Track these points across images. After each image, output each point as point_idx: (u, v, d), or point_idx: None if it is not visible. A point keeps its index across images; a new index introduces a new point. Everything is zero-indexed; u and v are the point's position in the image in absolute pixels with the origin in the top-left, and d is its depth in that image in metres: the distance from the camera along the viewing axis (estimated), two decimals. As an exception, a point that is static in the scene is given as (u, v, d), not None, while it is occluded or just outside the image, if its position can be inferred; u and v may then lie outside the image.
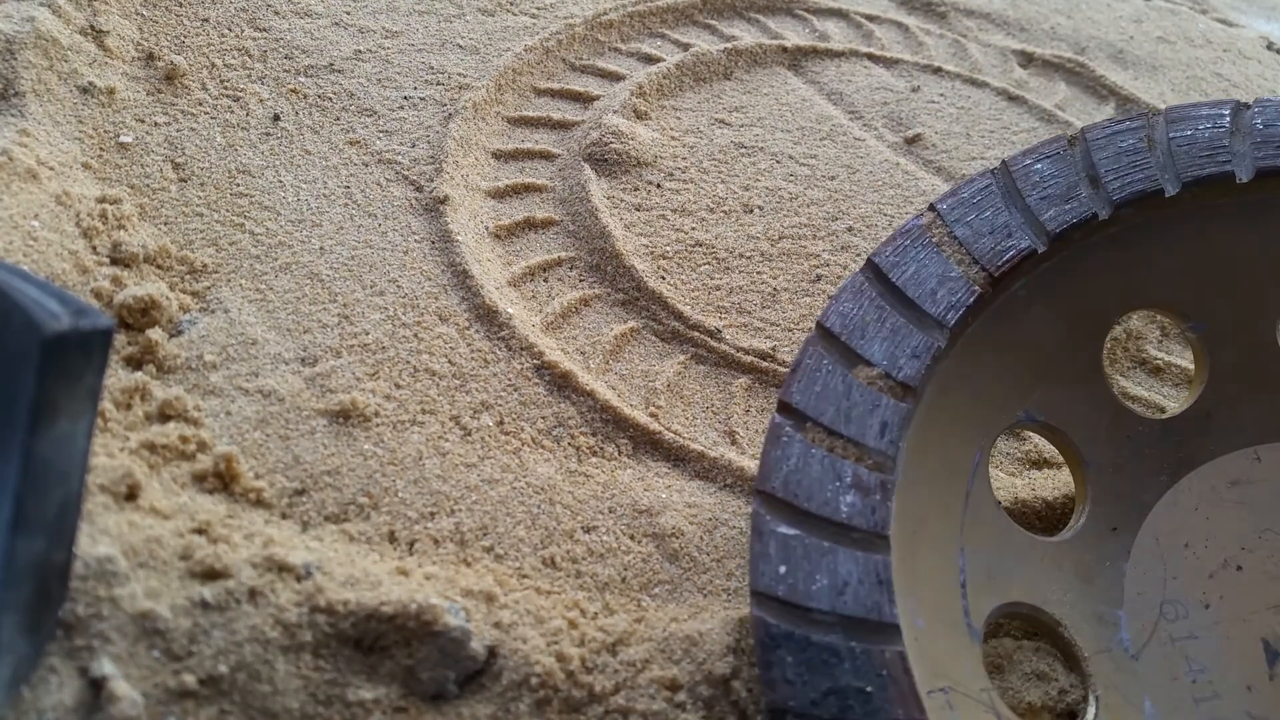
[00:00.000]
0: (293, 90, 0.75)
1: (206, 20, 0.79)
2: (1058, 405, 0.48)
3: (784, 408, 0.41)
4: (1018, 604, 0.43)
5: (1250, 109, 0.50)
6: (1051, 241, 0.46)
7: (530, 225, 0.69)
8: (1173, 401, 0.61)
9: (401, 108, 0.75)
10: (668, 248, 0.68)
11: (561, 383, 0.56)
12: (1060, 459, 0.56)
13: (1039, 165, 0.49)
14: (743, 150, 0.78)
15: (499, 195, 0.71)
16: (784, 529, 0.38)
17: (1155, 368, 0.64)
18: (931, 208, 0.48)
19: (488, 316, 0.59)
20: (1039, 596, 0.43)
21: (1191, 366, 0.56)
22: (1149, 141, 0.49)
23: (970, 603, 0.41)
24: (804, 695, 0.34)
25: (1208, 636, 0.44)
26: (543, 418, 0.54)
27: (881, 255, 0.46)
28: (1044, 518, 0.52)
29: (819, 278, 0.67)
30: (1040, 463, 0.56)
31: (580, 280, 0.65)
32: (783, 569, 0.37)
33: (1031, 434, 0.57)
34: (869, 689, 0.34)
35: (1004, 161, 0.49)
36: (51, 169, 0.60)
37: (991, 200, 0.48)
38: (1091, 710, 0.41)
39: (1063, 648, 0.43)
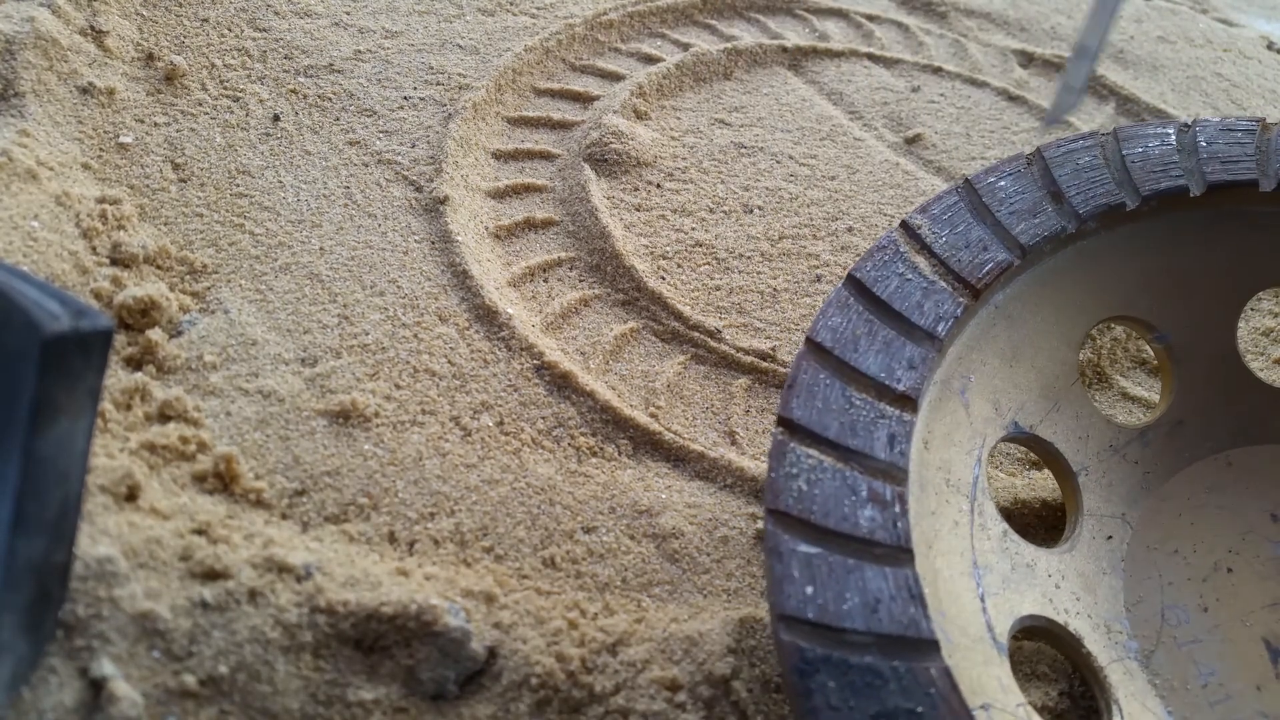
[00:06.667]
0: (293, 90, 0.75)
1: (206, 20, 0.79)
2: (1043, 417, 0.49)
3: (785, 424, 0.40)
4: (1035, 618, 0.42)
5: (1192, 128, 0.52)
6: (1024, 255, 0.47)
7: (530, 225, 0.69)
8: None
9: (401, 108, 0.75)
10: (668, 248, 0.68)
11: (561, 383, 0.56)
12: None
13: (1002, 182, 0.50)
14: (743, 150, 0.78)
15: (499, 195, 0.71)
16: (804, 548, 0.36)
17: (1155, 368, 0.64)
18: (903, 224, 0.49)
19: (488, 317, 0.59)
20: (1051, 609, 0.43)
21: None
22: (1104, 159, 0.51)
23: (992, 617, 0.40)
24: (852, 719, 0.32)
25: (1210, 639, 0.45)
26: (543, 418, 0.54)
27: (862, 270, 0.46)
28: (1043, 518, 0.52)
29: (819, 278, 0.67)
30: (1039, 463, 0.57)
31: (580, 280, 0.65)
32: (809, 589, 0.35)
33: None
34: (919, 709, 0.33)
35: (966, 179, 0.51)
36: (51, 169, 0.60)
37: (962, 216, 0.49)
38: (1117, 718, 0.41)
39: (1079, 660, 0.43)
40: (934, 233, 0.48)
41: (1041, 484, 0.54)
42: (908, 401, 0.41)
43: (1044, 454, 0.49)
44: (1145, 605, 0.46)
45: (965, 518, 0.43)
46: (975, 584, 0.41)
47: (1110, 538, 0.47)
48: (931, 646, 0.34)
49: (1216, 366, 0.51)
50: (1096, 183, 0.50)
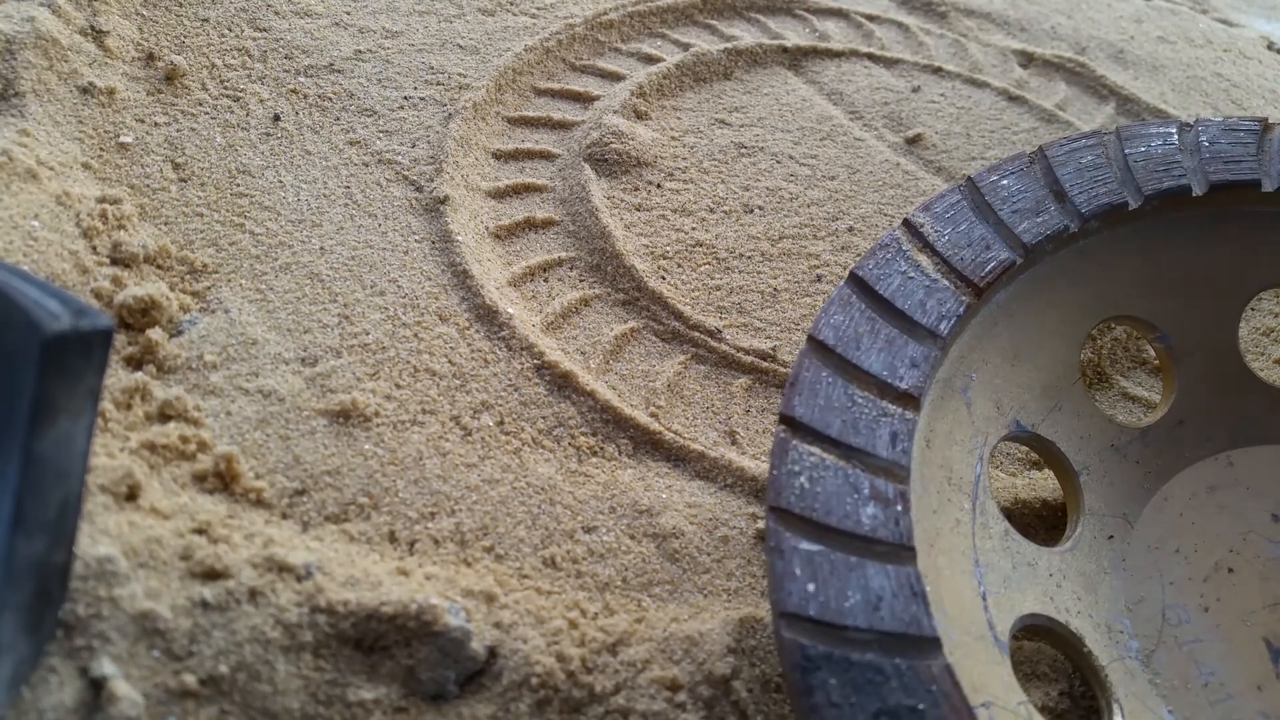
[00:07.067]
0: (293, 90, 0.75)
1: (206, 20, 0.79)
2: (1045, 416, 0.49)
3: (787, 421, 0.40)
4: (1036, 616, 0.42)
5: (1193, 128, 0.52)
6: (1027, 253, 0.47)
7: (530, 225, 0.69)
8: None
9: (401, 108, 0.75)
10: (668, 248, 0.68)
11: (562, 383, 0.56)
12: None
13: (1005, 181, 0.50)
14: (743, 150, 0.78)
15: (499, 195, 0.71)
16: (806, 545, 0.36)
17: (1156, 368, 0.64)
18: (905, 222, 0.49)
19: (488, 316, 0.59)
20: (1052, 607, 0.43)
21: None
22: (1107, 158, 0.51)
23: (993, 615, 0.40)
24: (854, 717, 0.32)
25: (1212, 639, 0.45)
26: (543, 418, 0.54)
27: (864, 268, 0.46)
28: (1043, 518, 0.52)
29: (819, 278, 0.67)
30: (1039, 463, 0.56)
31: (580, 280, 0.65)
32: (811, 587, 0.35)
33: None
34: (921, 706, 0.33)
35: (969, 178, 0.51)
36: (51, 169, 0.60)
37: (964, 214, 0.49)
38: (1118, 718, 0.41)
39: (1079, 659, 0.43)
40: (936, 231, 0.48)
41: (1041, 484, 0.54)
42: (910, 400, 0.41)
43: (1045, 453, 0.49)
44: (1146, 605, 0.46)
45: (967, 516, 0.43)
46: (977, 582, 0.41)
47: (1111, 537, 0.47)
48: (933, 644, 0.34)
49: (1218, 366, 0.51)
50: (1099, 182, 0.50)
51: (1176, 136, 0.52)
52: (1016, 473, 0.56)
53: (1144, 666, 0.44)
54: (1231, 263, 0.51)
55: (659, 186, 0.73)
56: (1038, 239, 0.47)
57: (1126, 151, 0.51)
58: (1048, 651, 0.46)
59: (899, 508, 0.37)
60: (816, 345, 0.43)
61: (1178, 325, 0.51)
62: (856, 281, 0.46)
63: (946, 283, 0.46)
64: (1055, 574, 0.45)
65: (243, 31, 0.79)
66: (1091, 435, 0.49)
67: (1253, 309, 0.69)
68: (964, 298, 0.45)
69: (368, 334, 0.57)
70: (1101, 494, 0.48)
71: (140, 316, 0.54)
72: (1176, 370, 0.51)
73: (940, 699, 0.33)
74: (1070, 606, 0.44)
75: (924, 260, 0.46)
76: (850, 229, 0.72)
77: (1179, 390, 0.51)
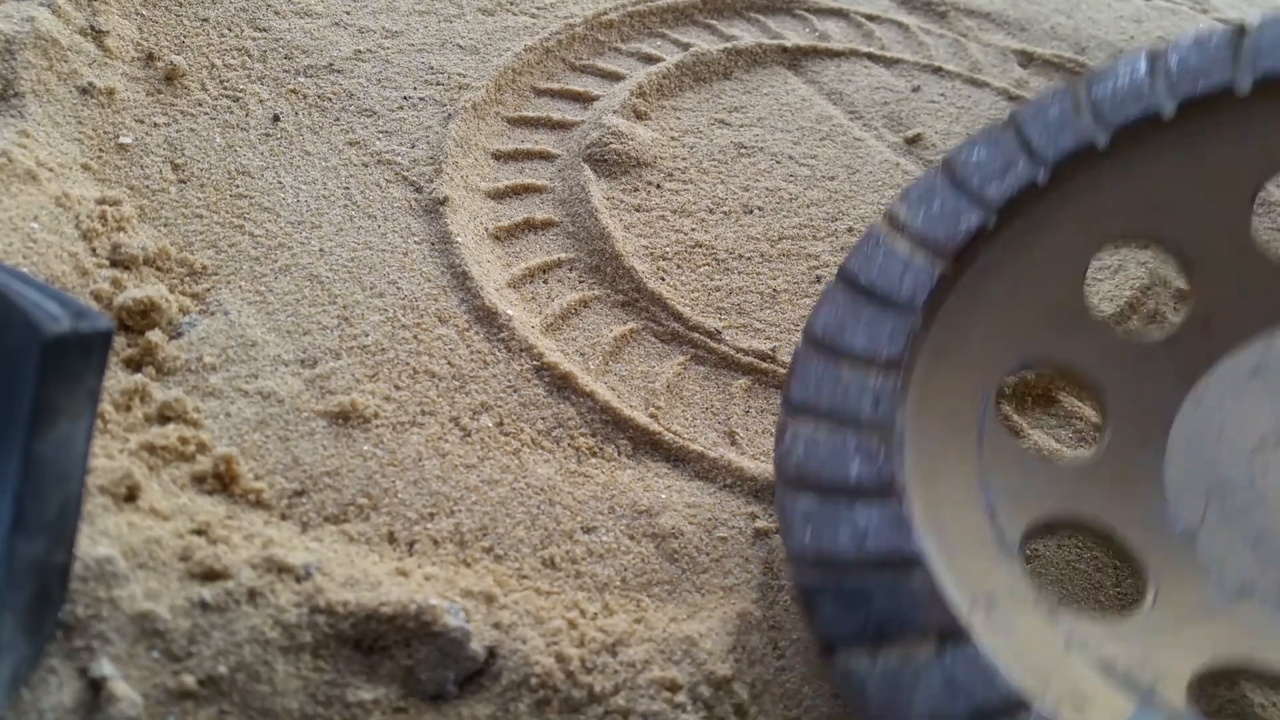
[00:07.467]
0: (293, 90, 0.75)
1: (206, 20, 0.79)
2: (1057, 344, 0.50)
3: (786, 405, 0.46)
4: (1054, 516, 0.46)
5: (1164, 52, 0.52)
6: (998, 213, 0.49)
7: (530, 226, 0.69)
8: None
9: (401, 108, 0.75)
10: (667, 248, 0.68)
11: (561, 384, 0.56)
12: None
13: (976, 151, 0.52)
14: (743, 150, 0.78)
15: (499, 196, 0.71)
16: (805, 502, 0.42)
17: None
18: (885, 213, 0.51)
19: (487, 318, 0.59)
20: (1074, 509, 0.46)
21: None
22: (1075, 105, 0.51)
23: (1004, 524, 0.45)
24: (846, 627, 0.39)
25: (1260, 508, 0.46)
26: (542, 419, 0.54)
27: (850, 263, 0.50)
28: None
29: (819, 278, 0.67)
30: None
31: (580, 281, 0.65)
32: (810, 533, 0.41)
33: (1031, 424, 0.57)
34: (900, 611, 0.39)
35: (945, 158, 0.52)
36: (51, 170, 0.60)
37: (938, 191, 0.51)
38: (1150, 596, 0.44)
39: (1114, 549, 0.46)
40: (912, 213, 0.50)
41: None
42: (892, 366, 0.45)
43: (1063, 374, 0.51)
44: (1189, 489, 0.47)
45: (973, 446, 0.47)
46: (984, 501, 0.45)
47: (1145, 439, 0.48)
48: (911, 562, 0.39)
49: (1237, 264, 0.50)
50: (1066, 128, 0.50)
51: (1146, 65, 0.51)
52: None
53: (1188, 544, 0.46)
54: (1230, 163, 0.50)
55: (659, 187, 0.73)
56: (1003, 198, 0.49)
57: (1094, 93, 0.51)
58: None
59: (881, 458, 0.43)
60: (810, 339, 0.47)
61: (1186, 235, 0.51)
62: (843, 275, 0.49)
63: (921, 257, 0.48)
64: (1080, 481, 0.48)
65: (242, 31, 0.79)
66: (1111, 351, 0.50)
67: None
68: (937, 268, 0.47)
69: (367, 335, 0.57)
70: (1131, 403, 0.49)
71: (140, 318, 0.54)
72: (1195, 277, 0.51)
73: (918, 602, 0.38)
74: (1099, 505, 0.46)
75: (899, 243, 0.49)
76: (850, 229, 0.72)
77: (1200, 294, 0.51)
